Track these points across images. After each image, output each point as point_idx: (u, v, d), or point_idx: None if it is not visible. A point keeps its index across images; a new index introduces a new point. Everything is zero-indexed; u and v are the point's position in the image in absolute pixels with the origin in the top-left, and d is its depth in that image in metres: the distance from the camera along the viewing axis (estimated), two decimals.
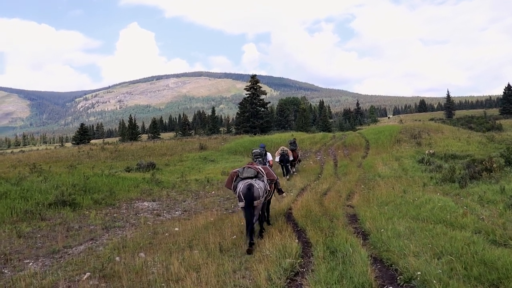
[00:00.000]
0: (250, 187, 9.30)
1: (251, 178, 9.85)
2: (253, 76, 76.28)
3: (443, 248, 7.26)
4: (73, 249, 10.45)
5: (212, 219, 13.60)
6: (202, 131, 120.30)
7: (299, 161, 29.27)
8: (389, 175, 20.61)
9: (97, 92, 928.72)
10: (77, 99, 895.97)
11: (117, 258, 8.81)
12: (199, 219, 13.49)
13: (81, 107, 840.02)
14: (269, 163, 16.85)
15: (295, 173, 26.31)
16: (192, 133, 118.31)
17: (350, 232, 9.44)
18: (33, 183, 17.83)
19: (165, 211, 16.07)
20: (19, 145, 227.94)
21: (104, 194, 17.63)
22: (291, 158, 25.41)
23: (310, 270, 6.95)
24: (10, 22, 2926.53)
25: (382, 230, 8.93)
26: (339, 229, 9.46)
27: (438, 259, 6.85)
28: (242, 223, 11.52)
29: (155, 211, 15.97)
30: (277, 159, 24.58)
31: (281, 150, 24.96)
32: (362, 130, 55.48)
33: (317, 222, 10.47)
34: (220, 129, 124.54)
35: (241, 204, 9.36)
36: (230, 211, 15.68)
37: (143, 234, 11.80)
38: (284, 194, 13.76)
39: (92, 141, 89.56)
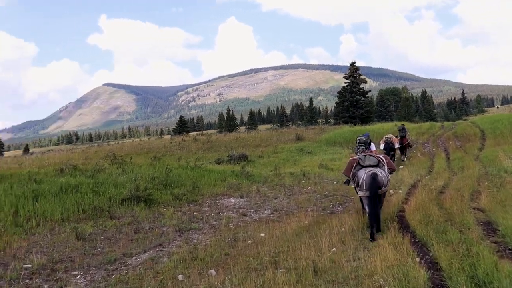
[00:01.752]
0: (374, 176, 8.72)
1: (373, 166, 9.20)
2: (352, 64, 72.14)
3: None
4: (134, 258, 8.72)
5: (306, 222, 11.45)
6: (300, 123, 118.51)
7: (410, 146, 28.50)
8: None
9: (197, 86, 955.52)
10: (179, 93, 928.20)
11: (180, 277, 6.92)
12: (290, 222, 11.39)
13: (182, 101, 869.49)
14: None
15: (404, 162, 24.77)
16: (290, 125, 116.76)
17: (493, 251, 6.86)
18: (111, 175, 16.57)
19: (252, 210, 14.07)
20: (125, 137, 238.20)
21: (186, 188, 15.99)
22: (396, 145, 24.38)
23: None
24: (118, 22, 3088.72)
25: None
26: (477, 246, 6.89)
27: None
28: (343, 229, 9.35)
29: (241, 210, 14.04)
30: (381, 146, 23.52)
31: (385, 138, 24.00)
32: (474, 119, 50.53)
33: (442, 233, 7.94)
34: (318, 120, 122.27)
35: (363, 193, 8.86)
36: (328, 211, 13.40)
37: (221, 240, 9.88)
38: (391, 191, 12.66)
39: (191, 133, 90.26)
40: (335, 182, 19.05)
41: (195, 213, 13.53)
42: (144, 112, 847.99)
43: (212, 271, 7.14)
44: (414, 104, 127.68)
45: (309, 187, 18.15)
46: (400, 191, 14.96)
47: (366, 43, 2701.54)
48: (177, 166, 19.95)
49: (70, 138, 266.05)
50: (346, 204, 14.62)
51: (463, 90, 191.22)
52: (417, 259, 6.44)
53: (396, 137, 25.14)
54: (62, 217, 11.68)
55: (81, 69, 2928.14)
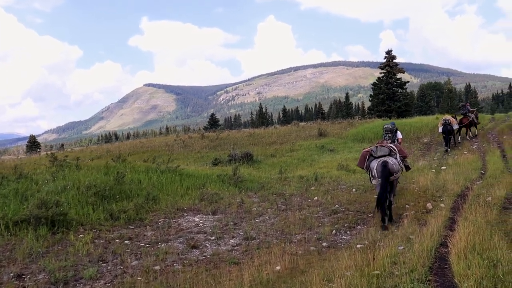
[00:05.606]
0: (385, 164, 9.26)
1: (385, 156, 9.61)
2: (389, 52, 64.41)
3: None
4: None
5: (277, 267, 6.74)
6: (335, 120, 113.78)
7: (478, 123, 27.20)
8: None
9: (237, 85, 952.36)
10: (218, 93, 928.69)
11: None
12: (251, 267, 6.67)
13: (222, 100, 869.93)
14: (398, 140, 14.54)
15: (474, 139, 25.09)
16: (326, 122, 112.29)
17: None
18: (34, 183, 11.99)
19: (212, 238, 9.21)
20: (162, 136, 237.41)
21: (136, 202, 11.16)
22: (455, 127, 23.51)
23: None
24: (159, 24, 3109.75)
25: None
26: None
27: None
28: None
29: (198, 236, 9.26)
30: (440, 129, 23.21)
31: (443, 120, 23.14)
32: None
33: None
34: (355, 116, 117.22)
35: (376, 181, 9.36)
36: (324, 243, 8.50)
37: None
38: (428, 204, 10.46)
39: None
40: (353, 190, 14.11)
41: (126, 241, 8.84)
42: (184, 111, 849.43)
43: None
44: (457, 98, 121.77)
45: (316, 198, 13.20)
46: (442, 204, 10.15)
47: (406, 40, 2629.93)
48: (144, 169, 15.24)
49: (109, 138, 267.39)
50: (359, 227, 9.68)
51: (510, 83, 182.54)
52: None
53: (455, 118, 24.04)
54: None
55: (123, 70, 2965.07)
